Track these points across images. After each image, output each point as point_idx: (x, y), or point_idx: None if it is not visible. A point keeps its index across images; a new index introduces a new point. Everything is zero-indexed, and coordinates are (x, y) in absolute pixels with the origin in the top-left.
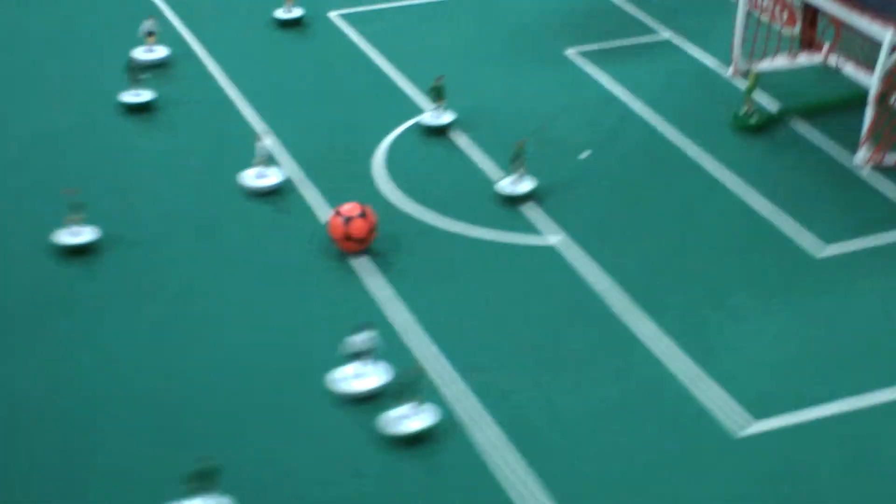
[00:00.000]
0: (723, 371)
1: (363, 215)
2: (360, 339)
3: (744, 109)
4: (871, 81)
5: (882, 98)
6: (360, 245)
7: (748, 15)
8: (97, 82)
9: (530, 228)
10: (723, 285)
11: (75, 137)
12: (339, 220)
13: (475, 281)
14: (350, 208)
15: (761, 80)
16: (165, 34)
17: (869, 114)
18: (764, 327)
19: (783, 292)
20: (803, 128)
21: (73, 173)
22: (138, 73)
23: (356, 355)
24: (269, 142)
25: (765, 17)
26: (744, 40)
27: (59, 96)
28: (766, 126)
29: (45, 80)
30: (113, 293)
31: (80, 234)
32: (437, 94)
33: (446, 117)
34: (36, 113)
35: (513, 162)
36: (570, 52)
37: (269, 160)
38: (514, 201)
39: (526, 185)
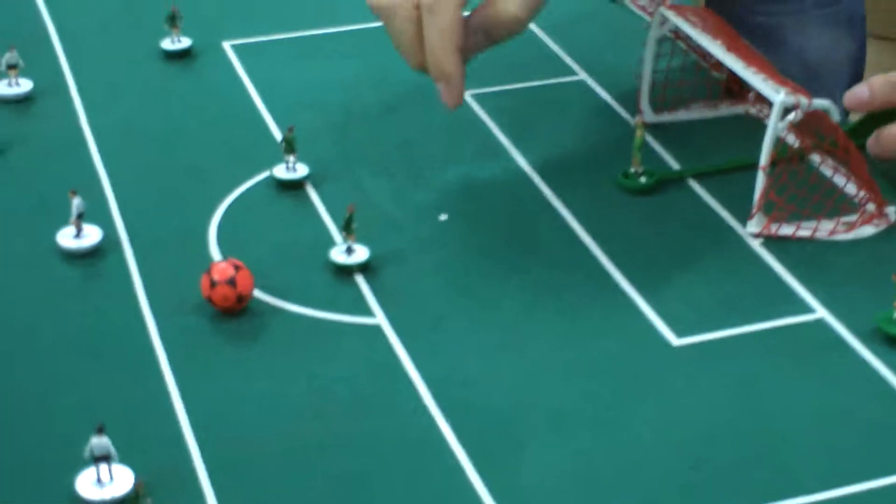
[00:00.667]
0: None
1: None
2: (100, 442)
3: (632, 168)
4: (763, 148)
5: (774, 166)
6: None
7: (659, 56)
8: None
9: (354, 305)
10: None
11: None
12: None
13: (273, 367)
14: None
15: (667, 132)
16: (42, 65)
17: (760, 183)
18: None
19: (633, 383)
20: (700, 188)
21: None
22: None
23: (98, 459)
24: (78, 200)
25: (696, 57)
26: (654, 85)
27: None
28: (656, 187)
29: None
30: None
31: None
32: (288, 147)
33: (300, 170)
34: None
35: (344, 228)
36: (466, 95)
37: (81, 218)
38: (346, 271)
39: (360, 255)
